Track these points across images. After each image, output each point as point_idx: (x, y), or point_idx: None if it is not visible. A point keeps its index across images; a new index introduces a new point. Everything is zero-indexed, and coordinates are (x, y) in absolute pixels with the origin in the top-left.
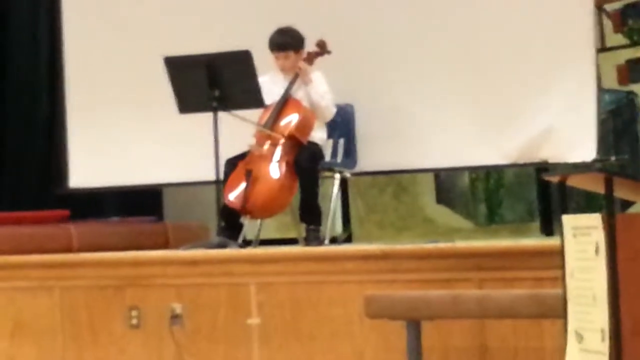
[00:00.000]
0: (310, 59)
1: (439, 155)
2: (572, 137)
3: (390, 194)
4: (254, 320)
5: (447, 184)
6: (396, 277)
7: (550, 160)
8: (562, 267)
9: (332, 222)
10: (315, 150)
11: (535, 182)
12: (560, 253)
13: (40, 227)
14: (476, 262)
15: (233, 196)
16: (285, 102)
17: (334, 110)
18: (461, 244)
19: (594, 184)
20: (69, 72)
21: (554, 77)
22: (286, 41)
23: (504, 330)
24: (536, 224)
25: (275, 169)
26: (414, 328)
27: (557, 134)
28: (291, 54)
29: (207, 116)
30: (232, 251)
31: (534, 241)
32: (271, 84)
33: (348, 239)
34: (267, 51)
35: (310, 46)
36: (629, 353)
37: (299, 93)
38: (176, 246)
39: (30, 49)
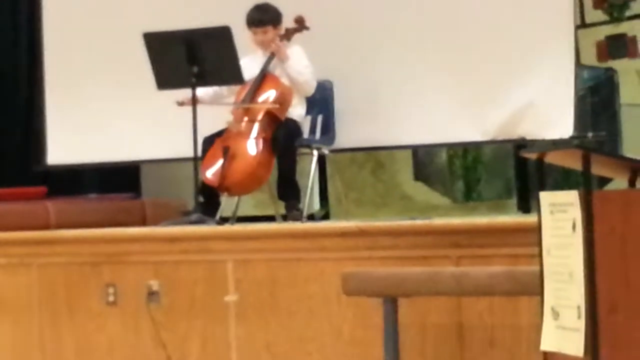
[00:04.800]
0: (289, 35)
1: (417, 132)
2: (550, 113)
3: (369, 170)
4: (232, 297)
5: (425, 161)
6: (373, 254)
7: (529, 137)
8: (539, 244)
9: (310, 199)
10: (293, 127)
11: (513, 158)
12: (537, 230)
13: (17, 203)
14: (453, 239)
15: (210, 173)
16: (263, 78)
17: (314, 84)
18: (438, 221)
19: (572, 161)
20: (47, 48)
21: (533, 54)
22: (264, 16)
23: (480, 307)
24: (513, 201)
25: (252, 146)
26: (391, 305)
27: (535, 111)
28: (269, 28)
29: (186, 92)
30: (209, 228)
31: (511, 218)
32: (250, 62)
33: (326, 216)
34: (246, 31)
35: (288, 22)
36: (604, 330)
37: (277, 69)
38: (154, 223)
39: (9, 26)
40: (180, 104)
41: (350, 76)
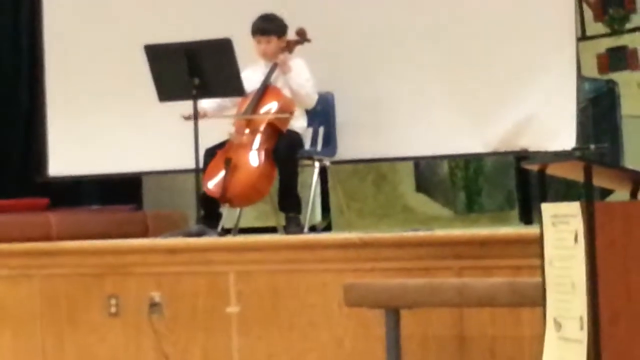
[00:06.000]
0: (290, 47)
1: (419, 144)
2: (552, 125)
3: (370, 182)
4: (233, 309)
5: (426, 173)
6: (375, 265)
7: (530, 149)
8: (541, 255)
9: (312, 210)
10: (294, 139)
11: (515, 170)
12: (539, 241)
13: (19, 215)
14: (455, 250)
15: (212, 184)
16: (265, 90)
17: (315, 97)
18: (440, 233)
19: (574, 173)
20: (48, 60)
21: (534, 66)
22: (269, 26)
23: (482, 319)
24: (515, 213)
25: (254, 157)
26: (393, 316)
27: (537, 123)
28: (273, 38)
29: (187, 104)
30: (211, 240)
31: (513, 230)
32: (252, 73)
33: (327, 228)
34: (248, 43)
35: (290, 34)
36: (607, 341)
37: (279, 81)
38: (155, 235)
39: (10, 37)
40: (187, 118)
41: (352, 88)
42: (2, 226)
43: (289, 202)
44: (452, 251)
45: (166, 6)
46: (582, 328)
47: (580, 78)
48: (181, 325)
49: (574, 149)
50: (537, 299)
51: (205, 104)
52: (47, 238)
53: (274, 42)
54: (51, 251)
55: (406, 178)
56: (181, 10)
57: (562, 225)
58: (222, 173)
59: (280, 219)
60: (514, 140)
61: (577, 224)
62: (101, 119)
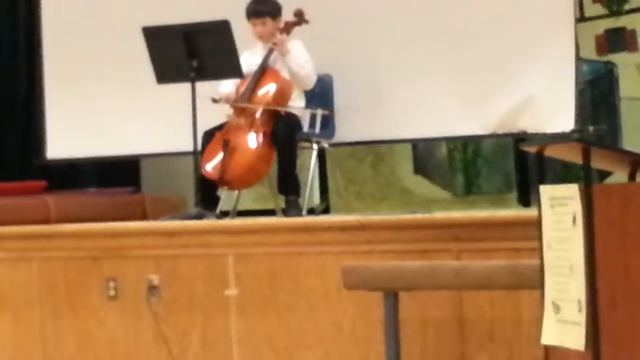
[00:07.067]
0: (288, 28)
1: (417, 126)
2: (550, 107)
3: (368, 164)
4: (232, 292)
5: (424, 155)
6: (374, 248)
7: (529, 131)
8: (540, 237)
9: (310, 193)
10: (293, 121)
11: (513, 152)
12: (537, 224)
13: (17, 198)
14: (454, 233)
15: (210, 167)
16: (263, 72)
17: (314, 78)
18: (439, 215)
19: (572, 155)
20: (46, 43)
21: (532, 48)
22: (263, 8)
23: (481, 301)
24: (514, 195)
25: (252, 139)
26: (392, 299)
27: (535, 105)
28: (268, 20)
29: (185, 87)
30: (209, 222)
31: (512, 212)
32: (250, 57)
33: (326, 210)
34: (247, 27)
35: (288, 16)
36: (605, 324)
37: (277, 63)
38: (154, 217)
39: (7, 21)
40: (215, 101)
41: (350, 70)
42: (0, 209)
43: (288, 184)
44: (451, 233)
45: None
46: (580, 310)
47: (579, 60)
48: (180, 308)
49: (573, 131)
50: (536, 281)
51: (225, 89)
52: (45, 221)
53: (269, 24)
54: (49, 234)
55: (404, 160)
56: None
57: (560, 207)
58: (220, 155)
59: (279, 202)
60: (512, 122)
61: (576, 206)
62: (99, 101)
